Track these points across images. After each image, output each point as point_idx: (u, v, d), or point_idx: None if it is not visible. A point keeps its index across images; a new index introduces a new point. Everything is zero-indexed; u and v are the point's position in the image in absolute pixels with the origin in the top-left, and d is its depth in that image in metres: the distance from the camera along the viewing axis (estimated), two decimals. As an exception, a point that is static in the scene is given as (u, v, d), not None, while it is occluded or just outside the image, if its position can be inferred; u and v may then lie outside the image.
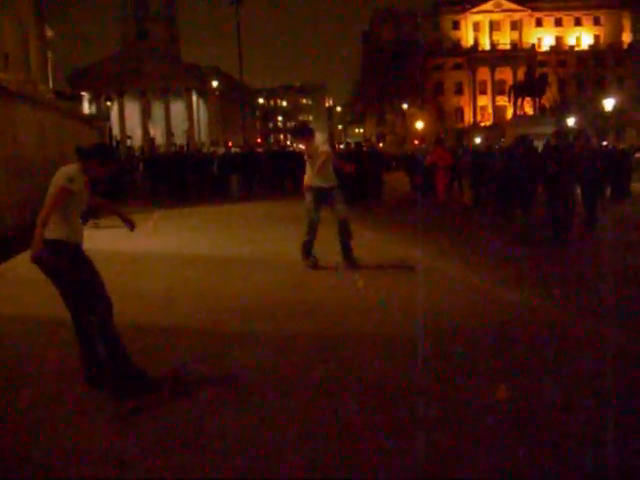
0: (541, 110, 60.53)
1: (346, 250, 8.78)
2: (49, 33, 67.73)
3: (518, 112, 61.99)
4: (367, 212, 16.21)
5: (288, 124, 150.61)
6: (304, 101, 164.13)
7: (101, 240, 12.15)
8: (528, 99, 57.78)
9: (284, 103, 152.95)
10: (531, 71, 58.98)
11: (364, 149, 22.87)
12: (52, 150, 16.30)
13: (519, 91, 54.60)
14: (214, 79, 76.35)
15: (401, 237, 11.72)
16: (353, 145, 26.67)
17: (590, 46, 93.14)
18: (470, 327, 5.96)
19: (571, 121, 46.66)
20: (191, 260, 10.10)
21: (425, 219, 14.44)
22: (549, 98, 64.62)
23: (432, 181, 17.74)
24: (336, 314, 6.52)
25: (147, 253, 10.69)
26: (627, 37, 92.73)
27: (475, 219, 14.94)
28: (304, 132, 9.29)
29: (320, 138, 9.32)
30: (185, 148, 28.65)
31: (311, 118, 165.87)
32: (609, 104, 36.67)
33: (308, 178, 8.80)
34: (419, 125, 73.27)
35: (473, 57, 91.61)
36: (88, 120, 24.50)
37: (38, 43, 20.33)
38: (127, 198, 22.92)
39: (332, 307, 6.80)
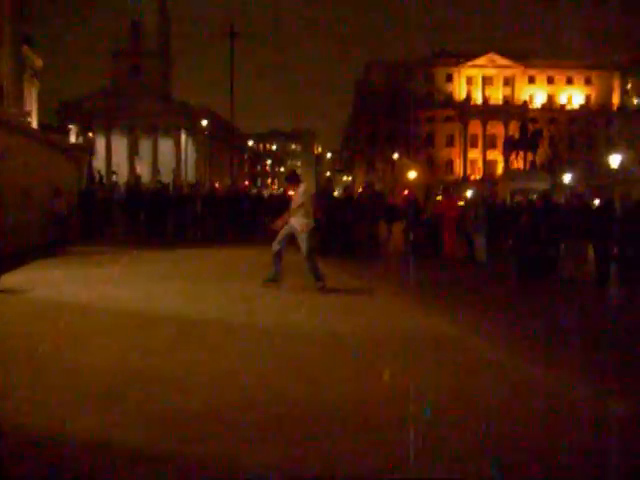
0: (532, 165, 59.89)
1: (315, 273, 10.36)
2: (38, 63, 66.72)
3: (510, 167, 61.31)
4: (368, 269, 14.47)
5: (277, 169, 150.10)
6: (293, 147, 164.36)
7: (53, 285, 10.35)
8: (521, 154, 57.25)
9: (273, 147, 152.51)
10: (525, 126, 58.54)
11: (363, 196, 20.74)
12: (14, 177, 14.59)
13: (513, 145, 53.94)
14: (204, 119, 75.30)
15: (421, 303, 9.73)
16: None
17: (581, 105, 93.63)
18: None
19: (567, 178, 45.56)
20: (156, 321, 7.89)
21: (439, 278, 12.80)
22: (540, 154, 64.04)
23: (435, 234, 16.07)
24: (362, 433, 4.21)
25: (103, 308, 8.55)
26: (616, 99, 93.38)
27: (498, 280, 13.24)
28: (294, 179, 10.91)
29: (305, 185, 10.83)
30: (170, 186, 26.84)
31: (299, 164, 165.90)
32: (615, 161, 35.55)
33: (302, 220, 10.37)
34: (412, 175, 72.20)
35: (465, 110, 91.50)
36: (65, 149, 22.73)
37: (12, 66, 18.81)
38: (102, 236, 21.19)
39: (354, 417, 4.51)
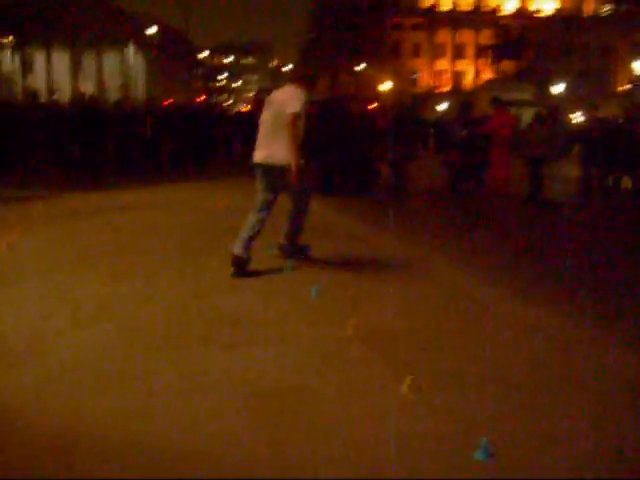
0: (503, 75, 55.52)
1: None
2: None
3: (481, 77, 56.72)
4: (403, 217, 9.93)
5: (232, 84, 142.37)
6: (249, 60, 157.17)
7: None
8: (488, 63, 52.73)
9: (227, 60, 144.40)
10: (508, 32, 53.68)
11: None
12: None
13: (500, 52, 49.16)
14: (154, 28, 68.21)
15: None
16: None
17: (556, 10, 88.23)
18: None
19: (558, 88, 41.14)
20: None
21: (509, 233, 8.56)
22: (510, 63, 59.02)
23: (479, 159, 11.61)
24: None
25: None
26: (587, 5, 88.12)
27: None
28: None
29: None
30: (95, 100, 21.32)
31: (256, 77, 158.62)
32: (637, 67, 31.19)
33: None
34: (386, 86, 66.66)
35: (433, 17, 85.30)
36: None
37: None
38: (20, 168, 15.98)
39: None
